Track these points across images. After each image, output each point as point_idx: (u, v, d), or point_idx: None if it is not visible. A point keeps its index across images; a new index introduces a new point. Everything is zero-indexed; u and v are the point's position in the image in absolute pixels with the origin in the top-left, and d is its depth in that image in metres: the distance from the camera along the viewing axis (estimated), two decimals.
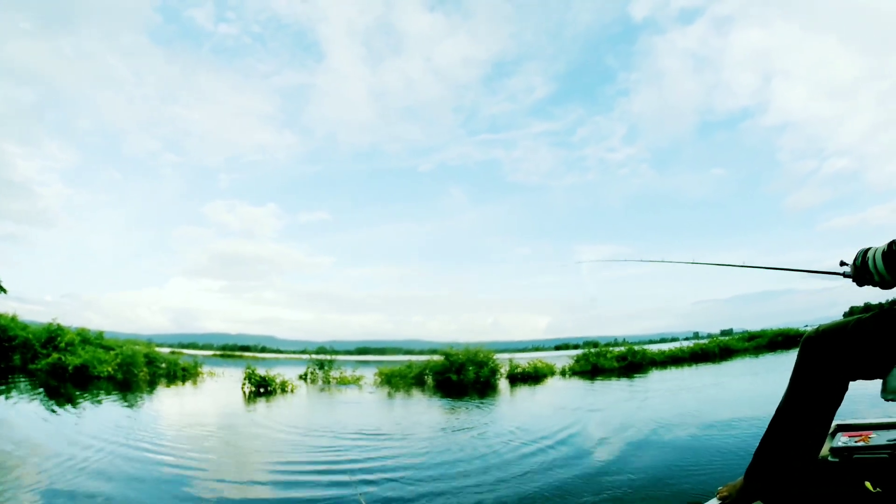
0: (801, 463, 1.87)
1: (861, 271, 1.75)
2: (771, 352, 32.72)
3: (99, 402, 13.18)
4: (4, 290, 28.43)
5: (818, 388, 1.80)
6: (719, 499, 2.19)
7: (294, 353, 28.36)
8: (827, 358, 1.77)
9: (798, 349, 1.90)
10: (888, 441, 2.73)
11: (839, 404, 1.81)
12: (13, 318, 23.68)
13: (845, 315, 1.93)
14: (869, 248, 1.72)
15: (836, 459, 2.75)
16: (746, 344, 36.76)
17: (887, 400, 1.56)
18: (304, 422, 11.79)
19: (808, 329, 1.93)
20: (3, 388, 14.70)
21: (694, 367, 26.37)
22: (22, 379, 17.45)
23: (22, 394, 13.53)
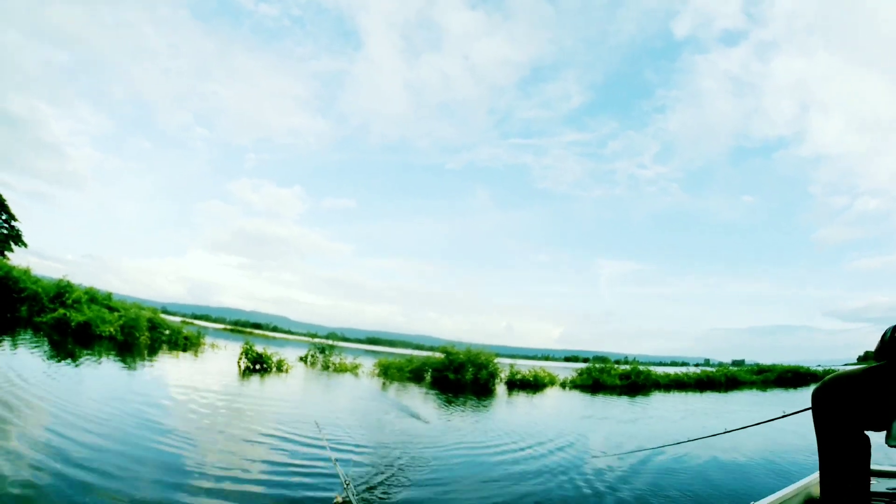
0: None
1: (888, 346, 1.68)
2: (778, 387, 31.97)
3: (76, 363, 13.19)
4: (25, 244, 28.99)
5: (844, 443, 1.76)
6: None
7: (305, 335, 28.24)
8: (840, 410, 1.74)
9: (811, 403, 1.85)
10: (887, 489, 2.74)
11: (867, 451, 1.75)
12: (26, 271, 23.92)
13: (859, 359, 1.73)
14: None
15: (883, 502, 2.69)
16: (755, 377, 36.09)
17: (891, 446, 1.56)
18: (282, 399, 11.62)
19: (820, 369, 1.82)
20: (7, 338, 14.81)
21: (698, 394, 25.87)
22: (22, 335, 17.61)
23: (18, 348, 13.63)
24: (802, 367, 39.56)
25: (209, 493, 4.49)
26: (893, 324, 1.70)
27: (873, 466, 2.97)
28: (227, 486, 4.77)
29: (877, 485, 2.81)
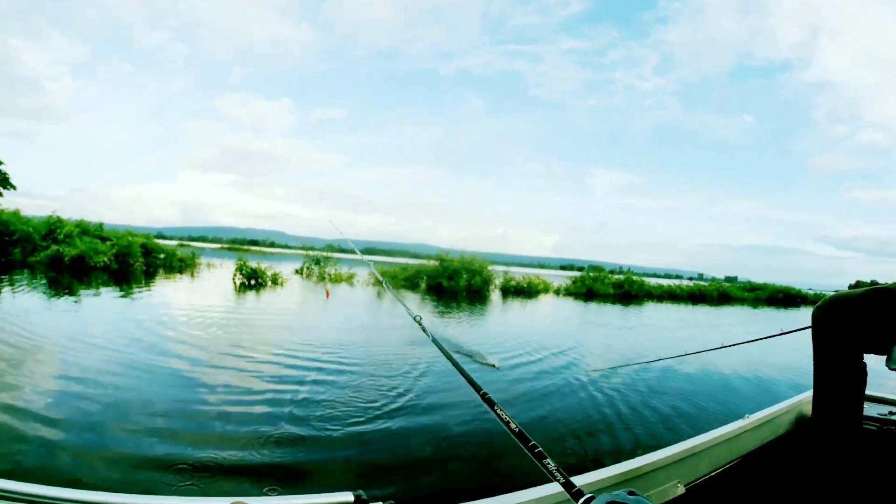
0: (835, 436, 1.87)
1: None
2: (769, 306, 32.72)
3: (72, 294, 13.50)
4: (13, 187, 28.55)
5: (837, 361, 1.79)
6: None
7: (303, 249, 28.53)
8: (838, 330, 1.75)
9: (811, 324, 1.85)
10: (878, 414, 2.77)
11: (864, 374, 1.79)
12: (15, 213, 23.78)
13: (850, 287, 1.84)
14: None
15: (873, 428, 2.78)
16: (746, 294, 36.74)
17: (892, 369, 1.58)
18: (274, 311, 12.07)
19: (811, 293, 1.88)
20: (4, 281, 15.07)
21: (690, 306, 26.69)
22: (18, 276, 17.83)
23: (16, 288, 13.91)
24: (794, 289, 40.15)
25: (199, 403, 4.86)
26: None
27: (867, 391, 3.25)
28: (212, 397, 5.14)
29: (868, 409, 2.85)
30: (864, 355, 1.78)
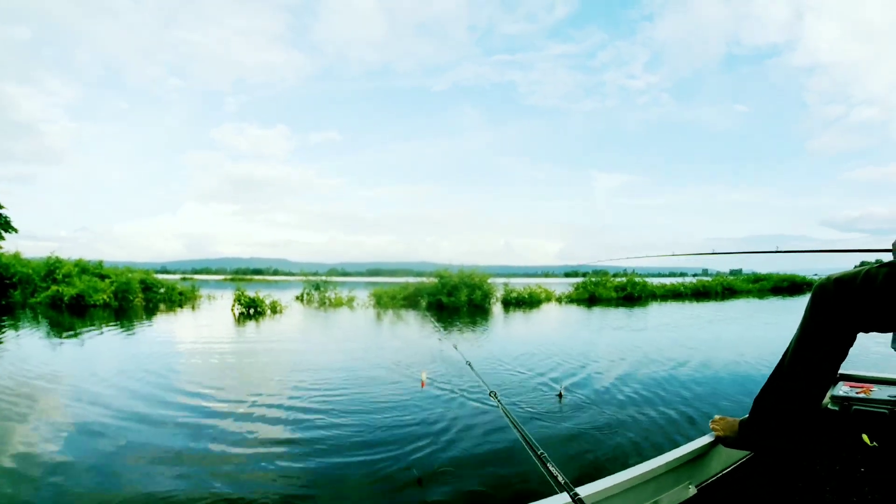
0: (802, 414, 1.83)
1: None
2: (775, 295, 32.89)
3: (72, 333, 13.58)
4: (15, 230, 28.92)
5: (827, 337, 1.75)
6: (713, 430, 2.17)
7: (306, 275, 28.70)
8: (838, 307, 1.71)
9: (809, 296, 1.82)
10: (889, 396, 2.77)
11: (846, 355, 1.77)
12: (15, 255, 24.37)
13: (856, 268, 1.79)
14: None
15: (836, 408, 2.83)
16: (751, 286, 36.94)
17: None
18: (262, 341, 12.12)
19: (818, 278, 1.86)
20: (5, 322, 15.20)
21: (695, 303, 26.67)
22: (20, 317, 17.94)
23: (18, 330, 14.01)
24: (798, 276, 40.57)
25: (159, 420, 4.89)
26: None
27: (876, 373, 3.19)
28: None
29: (878, 392, 2.88)
30: (861, 334, 1.75)
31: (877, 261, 1.74)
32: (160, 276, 27.81)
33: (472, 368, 3.23)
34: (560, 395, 6.28)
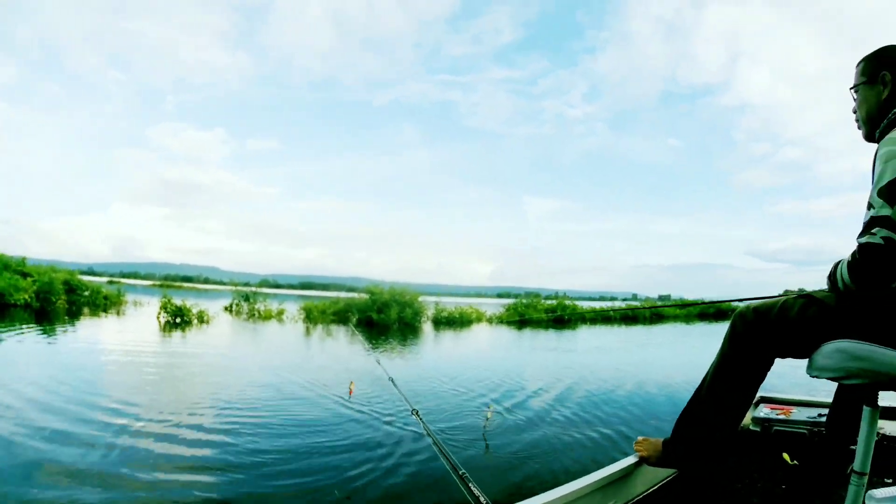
0: (722, 434, 1.91)
1: (834, 282, 1.67)
2: (701, 321, 34.95)
3: None
4: None
5: (746, 362, 1.85)
6: (636, 452, 2.20)
7: (237, 284, 28.28)
8: (756, 334, 1.81)
9: (729, 323, 1.93)
10: (808, 418, 2.96)
11: (763, 379, 1.87)
12: None
13: (779, 296, 1.91)
14: (840, 261, 1.64)
15: (758, 429, 3.04)
16: (679, 311, 38.80)
17: (812, 376, 1.59)
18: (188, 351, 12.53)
19: (741, 305, 2.00)
20: None
21: (623, 327, 28.08)
22: None
23: None
24: (725, 303, 42.50)
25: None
26: (837, 260, 1.64)
27: (795, 395, 3.42)
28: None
29: (797, 413, 3.06)
30: (778, 360, 1.83)
31: (799, 289, 1.84)
32: (86, 278, 27.19)
33: (394, 385, 3.51)
34: (487, 416, 6.19)
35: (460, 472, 1.77)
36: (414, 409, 2.75)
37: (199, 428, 5.45)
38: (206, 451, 4.73)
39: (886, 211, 1.42)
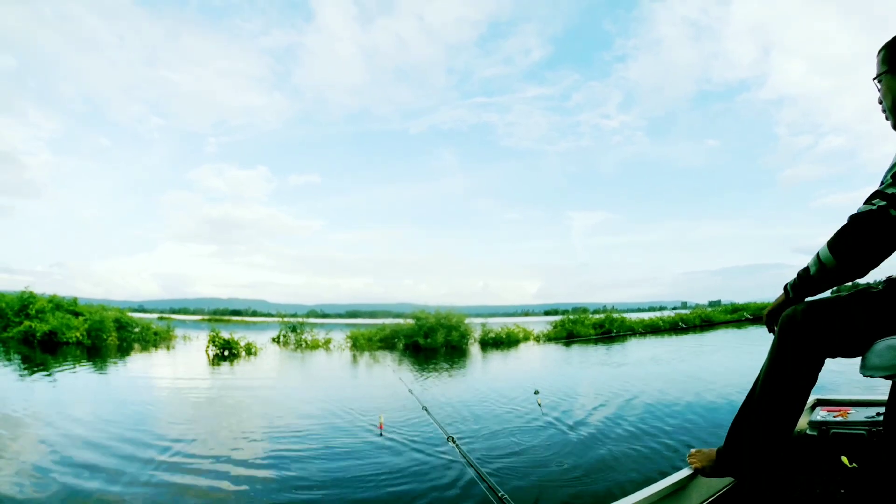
0: (776, 439, 1.82)
1: (807, 274, 1.75)
2: (752, 325, 33.09)
3: (45, 370, 13.53)
4: None
5: (795, 365, 1.77)
6: (690, 464, 2.16)
7: (283, 316, 28.41)
8: (806, 334, 1.73)
9: (778, 325, 1.85)
10: (866, 418, 2.84)
11: (815, 380, 1.78)
12: None
13: (833, 293, 1.85)
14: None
15: (815, 433, 2.90)
16: (729, 316, 37.29)
17: (866, 376, 1.55)
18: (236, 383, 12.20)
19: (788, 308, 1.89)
20: None
21: (674, 337, 26.85)
22: None
23: None
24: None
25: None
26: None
27: (852, 396, 3.28)
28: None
29: (855, 414, 2.92)
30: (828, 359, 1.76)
31: (854, 284, 1.76)
32: (136, 315, 27.61)
33: (428, 413, 3.35)
34: (534, 435, 6.01)
35: (500, 495, 1.70)
36: (450, 436, 2.67)
37: (245, 464, 5.30)
38: (251, 486, 4.61)
39: (893, 190, 1.48)
